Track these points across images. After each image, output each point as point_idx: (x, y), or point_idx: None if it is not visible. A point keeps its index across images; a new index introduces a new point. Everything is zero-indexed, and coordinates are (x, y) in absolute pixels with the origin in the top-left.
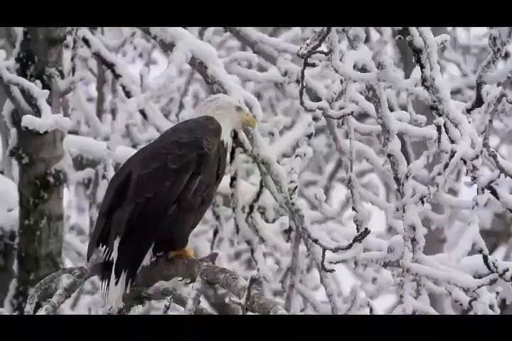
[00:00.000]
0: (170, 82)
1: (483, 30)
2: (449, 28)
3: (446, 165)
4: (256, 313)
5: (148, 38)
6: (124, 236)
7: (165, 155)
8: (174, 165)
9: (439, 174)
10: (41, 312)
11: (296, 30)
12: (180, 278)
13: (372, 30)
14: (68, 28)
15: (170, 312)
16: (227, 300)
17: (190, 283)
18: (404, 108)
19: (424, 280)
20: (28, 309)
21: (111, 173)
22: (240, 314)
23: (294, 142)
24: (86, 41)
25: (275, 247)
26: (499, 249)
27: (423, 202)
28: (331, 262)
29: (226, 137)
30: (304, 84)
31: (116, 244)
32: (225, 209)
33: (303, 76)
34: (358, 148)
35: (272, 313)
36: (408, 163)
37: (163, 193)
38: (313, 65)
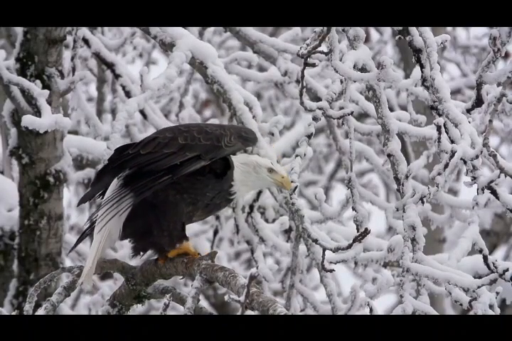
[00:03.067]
0: (170, 82)
1: (483, 30)
2: (449, 28)
3: (446, 165)
4: (255, 311)
5: (148, 38)
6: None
7: (182, 132)
8: (184, 141)
9: (439, 174)
10: (41, 310)
11: (296, 30)
12: (180, 277)
13: (372, 30)
14: (68, 28)
15: (169, 312)
16: (226, 297)
17: (182, 278)
18: (404, 108)
19: (424, 280)
20: (28, 308)
21: None
22: (240, 313)
23: (294, 142)
24: (86, 41)
25: (275, 247)
26: (499, 249)
27: (423, 202)
28: (331, 262)
29: (241, 191)
30: (304, 84)
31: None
32: (225, 209)
33: (303, 76)
34: (358, 148)
35: (271, 311)
36: (408, 163)
37: (157, 156)
38: (313, 65)
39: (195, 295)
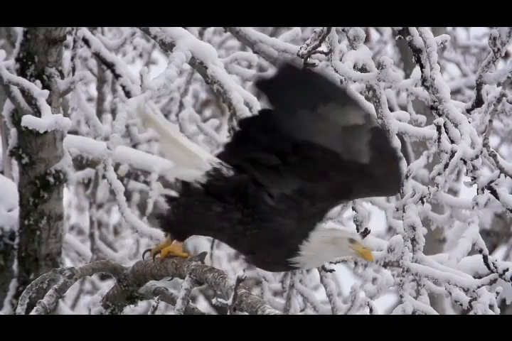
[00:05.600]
0: (170, 82)
1: (483, 30)
2: (449, 28)
3: (446, 165)
4: (245, 312)
5: (148, 38)
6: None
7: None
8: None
9: (439, 174)
10: (32, 313)
11: (296, 30)
12: (169, 278)
13: (372, 30)
14: (68, 28)
15: (169, 311)
16: (214, 301)
17: (170, 280)
18: (404, 108)
19: (424, 280)
20: (20, 310)
21: (111, 173)
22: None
23: None
24: (86, 41)
25: None
26: (499, 249)
27: (423, 202)
28: (331, 262)
29: (309, 263)
30: None
31: None
32: None
33: None
34: None
35: (259, 312)
36: (408, 163)
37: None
38: (313, 65)
39: (184, 297)
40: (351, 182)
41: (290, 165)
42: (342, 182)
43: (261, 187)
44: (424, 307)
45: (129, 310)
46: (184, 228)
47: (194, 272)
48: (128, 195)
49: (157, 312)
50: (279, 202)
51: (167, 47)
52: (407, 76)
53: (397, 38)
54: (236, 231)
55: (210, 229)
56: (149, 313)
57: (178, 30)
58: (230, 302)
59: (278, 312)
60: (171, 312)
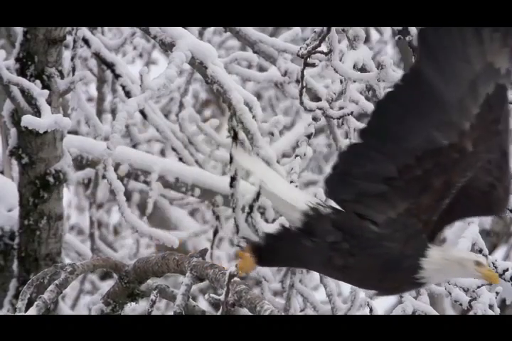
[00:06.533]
0: (170, 82)
1: None
2: None
3: None
4: (244, 308)
5: (148, 38)
6: None
7: None
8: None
9: None
10: (33, 308)
11: (296, 30)
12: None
13: (372, 30)
14: (68, 28)
15: (168, 312)
16: (206, 296)
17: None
18: None
19: None
20: (20, 305)
21: (111, 173)
22: (221, 312)
23: (294, 142)
24: (86, 41)
25: None
26: (499, 249)
27: None
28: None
29: (433, 278)
30: (304, 84)
31: None
32: (225, 209)
33: (303, 76)
34: None
35: (258, 308)
36: None
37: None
38: (313, 65)
39: (185, 292)
40: (450, 180)
41: (396, 188)
42: (442, 183)
43: (364, 217)
44: (424, 307)
45: (129, 309)
46: (272, 260)
47: (195, 268)
48: (128, 195)
49: (158, 312)
50: (384, 227)
51: (167, 47)
52: None
53: (397, 38)
54: (347, 264)
55: (313, 264)
56: (148, 307)
57: (178, 30)
58: (222, 298)
59: (276, 309)
60: (172, 311)
